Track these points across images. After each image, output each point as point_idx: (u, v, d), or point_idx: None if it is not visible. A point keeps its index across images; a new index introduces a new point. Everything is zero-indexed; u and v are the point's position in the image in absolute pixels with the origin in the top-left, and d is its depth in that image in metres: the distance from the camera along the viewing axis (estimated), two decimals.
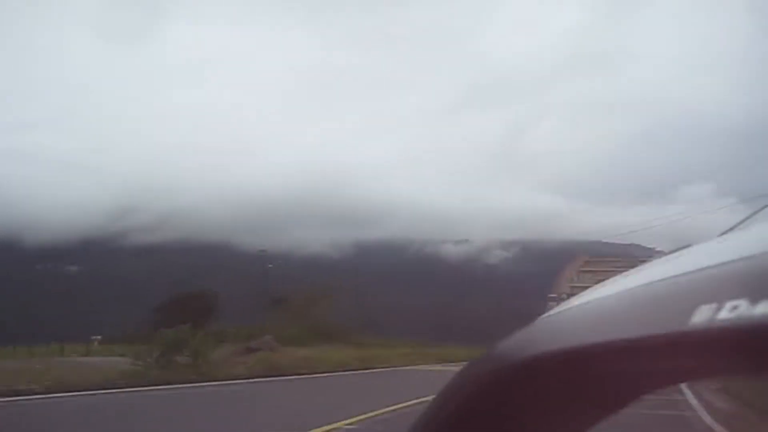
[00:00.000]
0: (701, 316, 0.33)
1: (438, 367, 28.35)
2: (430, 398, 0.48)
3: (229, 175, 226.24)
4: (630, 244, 75.35)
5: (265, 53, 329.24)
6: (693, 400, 11.20)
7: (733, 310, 0.32)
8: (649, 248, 66.06)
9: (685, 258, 0.39)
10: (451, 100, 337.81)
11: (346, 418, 10.81)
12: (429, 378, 19.73)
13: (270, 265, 57.03)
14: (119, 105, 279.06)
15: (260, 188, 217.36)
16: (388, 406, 12.63)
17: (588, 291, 0.43)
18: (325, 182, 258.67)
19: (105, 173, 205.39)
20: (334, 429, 9.93)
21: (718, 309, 0.33)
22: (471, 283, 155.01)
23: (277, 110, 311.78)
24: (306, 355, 29.12)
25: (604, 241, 67.63)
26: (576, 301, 0.44)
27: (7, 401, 12.82)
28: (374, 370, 28.03)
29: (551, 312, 0.45)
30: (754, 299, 0.32)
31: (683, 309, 0.34)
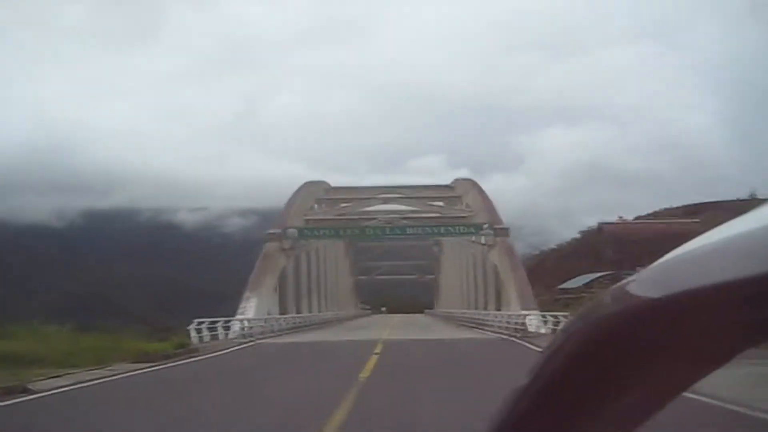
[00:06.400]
0: None
1: None
2: None
3: None
4: None
5: None
6: None
7: None
8: None
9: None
10: (190, 65, 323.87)
11: None
12: None
13: None
14: None
15: None
16: None
17: (693, 240, 0.44)
18: (51, 146, 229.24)
19: None
20: None
21: None
22: (206, 251, 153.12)
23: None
24: None
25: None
26: (677, 252, 0.44)
27: None
28: None
29: (657, 263, 0.45)
30: None
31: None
